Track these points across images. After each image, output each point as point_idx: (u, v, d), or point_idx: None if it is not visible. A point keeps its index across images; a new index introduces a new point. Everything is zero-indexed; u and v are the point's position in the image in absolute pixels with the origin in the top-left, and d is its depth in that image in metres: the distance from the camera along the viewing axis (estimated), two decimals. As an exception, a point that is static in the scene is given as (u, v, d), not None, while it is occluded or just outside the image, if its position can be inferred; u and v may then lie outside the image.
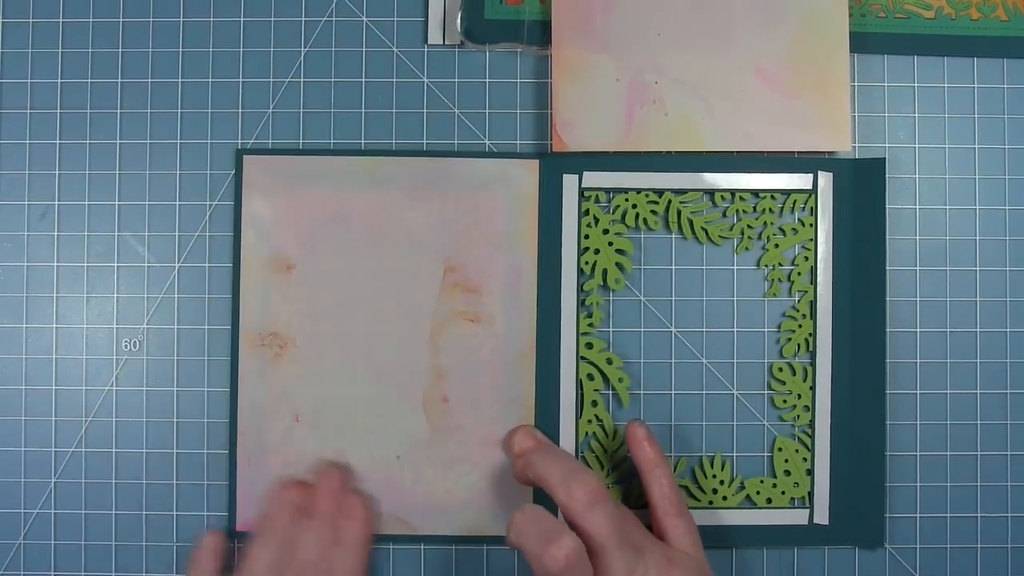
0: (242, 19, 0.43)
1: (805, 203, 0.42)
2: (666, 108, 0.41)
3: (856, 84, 0.43)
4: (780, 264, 0.42)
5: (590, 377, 0.41)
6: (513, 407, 0.41)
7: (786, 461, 0.42)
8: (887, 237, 0.42)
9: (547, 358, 0.41)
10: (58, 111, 0.43)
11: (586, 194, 0.42)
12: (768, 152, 0.42)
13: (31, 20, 0.43)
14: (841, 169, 0.42)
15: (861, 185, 0.41)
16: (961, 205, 0.43)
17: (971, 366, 0.42)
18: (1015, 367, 0.42)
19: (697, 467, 0.42)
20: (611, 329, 0.42)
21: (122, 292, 0.42)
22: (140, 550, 0.42)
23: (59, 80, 0.43)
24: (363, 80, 0.43)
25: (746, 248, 0.42)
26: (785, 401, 0.42)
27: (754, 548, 0.42)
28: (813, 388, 0.41)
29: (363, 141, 0.42)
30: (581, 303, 0.41)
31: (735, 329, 0.42)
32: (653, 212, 0.42)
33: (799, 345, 0.42)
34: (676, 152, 0.42)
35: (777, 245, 0.42)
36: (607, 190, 0.42)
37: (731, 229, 0.42)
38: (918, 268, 0.42)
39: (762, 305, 0.42)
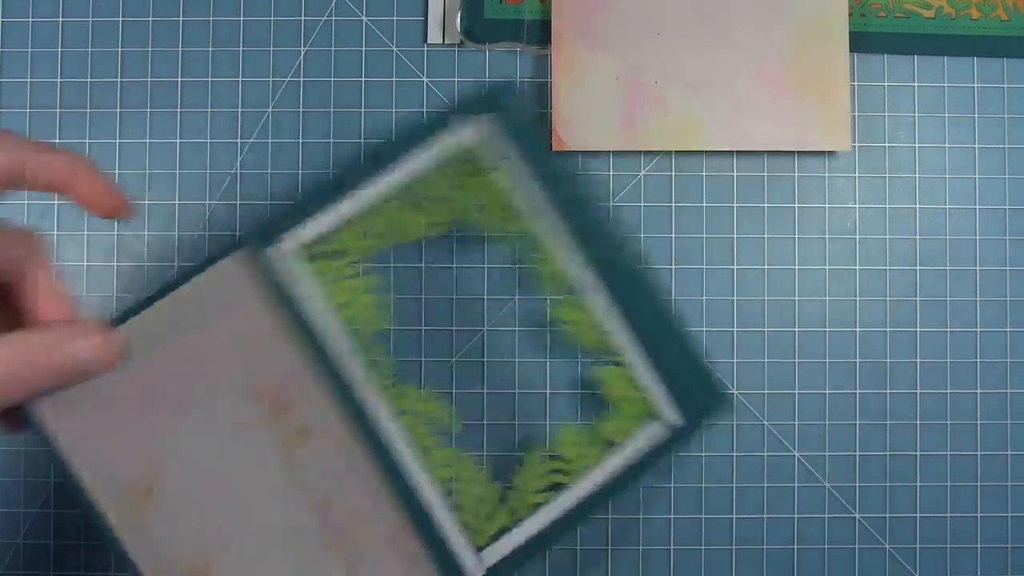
0: (242, 19, 0.43)
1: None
2: (666, 107, 0.41)
3: (856, 84, 0.43)
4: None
5: (414, 426, 0.37)
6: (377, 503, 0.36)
7: (616, 387, 0.37)
8: (887, 236, 0.42)
9: (370, 439, 0.35)
10: (58, 111, 0.43)
11: (299, 255, 0.35)
12: (768, 151, 0.42)
13: (31, 20, 0.43)
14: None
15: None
16: (961, 205, 0.43)
17: (971, 366, 0.42)
18: (1015, 367, 0.42)
19: (559, 446, 0.38)
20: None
21: (121, 292, 0.42)
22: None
23: (59, 80, 0.43)
24: (363, 79, 0.43)
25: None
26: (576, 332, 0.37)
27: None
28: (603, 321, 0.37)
29: (363, 140, 0.42)
30: (367, 366, 0.36)
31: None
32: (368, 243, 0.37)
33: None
34: (677, 151, 0.42)
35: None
36: (309, 244, 0.35)
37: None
38: (918, 268, 0.42)
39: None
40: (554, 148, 0.41)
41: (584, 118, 0.41)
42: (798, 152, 0.42)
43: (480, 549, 0.38)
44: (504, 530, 0.39)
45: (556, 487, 0.39)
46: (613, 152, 0.42)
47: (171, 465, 0.34)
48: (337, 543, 0.36)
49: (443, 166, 0.36)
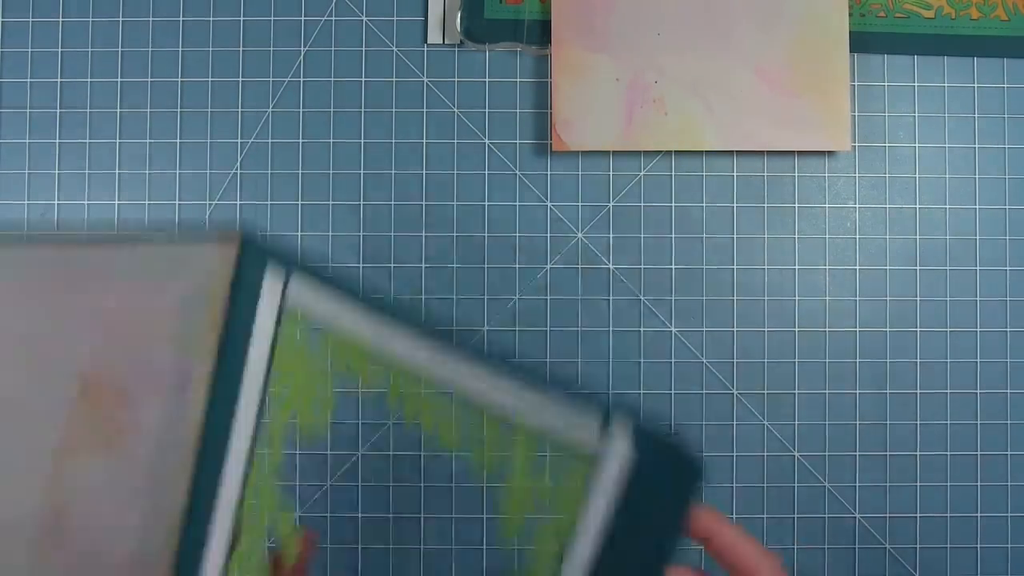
0: (242, 19, 0.43)
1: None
2: (666, 108, 0.41)
3: (856, 84, 0.43)
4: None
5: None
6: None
7: None
8: (887, 236, 0.42)
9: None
10: (58, 111, 0.43)
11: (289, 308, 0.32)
12: (768, 151, 0.42)
13: (31, 20, 0.43)
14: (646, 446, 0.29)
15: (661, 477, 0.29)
16: (961, 205, 0.43)
17: (971, 366, 0.42)
18: (1015, 367, 0.42)
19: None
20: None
21: (122, 292, 0.42)
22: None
23: (59, 80, 0.43)
24: (363, 79, 0.43)
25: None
26: None
27: None
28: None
29: (363, 140, 0.42)
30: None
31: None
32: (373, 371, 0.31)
33: None
34: (677, 151, 0.42)
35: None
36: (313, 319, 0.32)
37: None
38: (918, 268, 0.42)
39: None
40: (554, 148, 0.41)
41: (584, 118, 0.41)
42: (798, 152, 0.42)
43: None
44: None
45: None
46: (613, 152, 0.42)
47: None
48: (69, 545, 0.32)
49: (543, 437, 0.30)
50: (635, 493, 0.30)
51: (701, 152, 0.42)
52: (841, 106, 0.41)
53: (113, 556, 0.33)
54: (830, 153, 0.42)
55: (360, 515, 0.41)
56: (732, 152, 0.42)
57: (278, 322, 0.32)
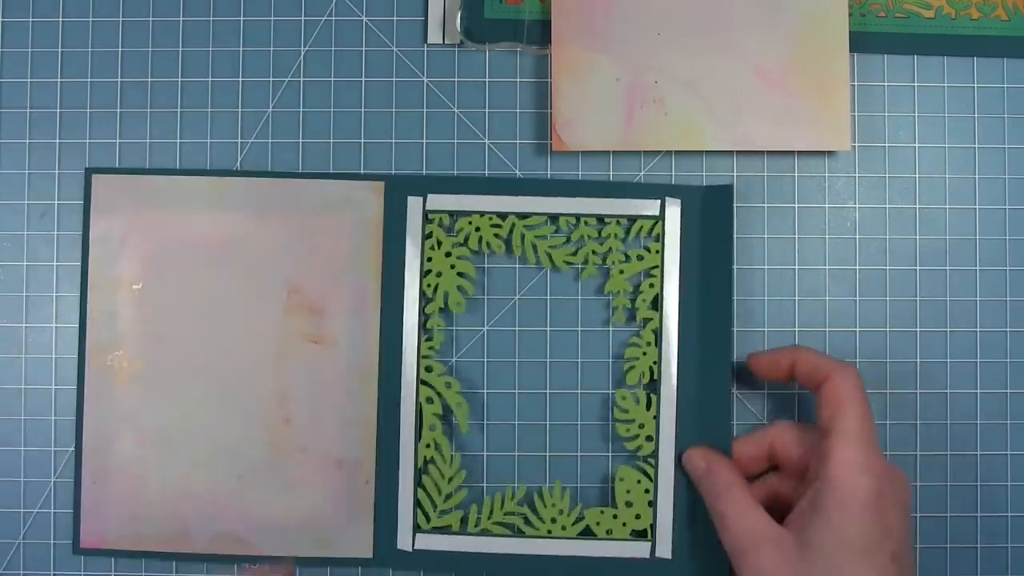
0: (242, 18, 0.43)
1: (651, 229, 0.41)
2: (666, 108, 0.41)
3: (856, 84, 0.43)
4: (624, 291, 0.41)
5: (429, 400, 0.41)
6: (355, 429, 0.41)
7: (628, 492, 0.40)
8: (887, 236, 0.42)
9: (389, 381, 0.41)
10: (58, 110, 0.43)
11: (430, 216, 0.41)
12: (768, 151, 0.42)
13: (31, 20, 0.43)
14: (689, 196, 0.41)
15: (709, 212, 0.41)
16: (961, 205, 0.43)
17: (971, 366, 0.42)
18: (1015, 367, 0.42)
19: (536, 495, 0.41)
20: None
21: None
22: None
23: (59, 80, 0.43)
24: (363, 79, 0.43)
25: (591, 274, 0.41)
26: (628, 431, 0.41)
27: None
28: (657, 418, 0.40)
29: (363, 140, 0.42)
30: (422, 326, 0.41)
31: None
32: (496, 236, 0.41)
33: (643, 373, 0.41)
34: (677, 151, 0.42)
35: (622, 271, 0.41)
36: (451, 213, 0.41)
37: (575, 254, 0.41)
38: (918, 268, 0.42)
39: (606, 332, 0.42)
40: (554, 148, 0.41)
41: (584, 118, 0.41)
42: (798, 152, 0.42)
43: (418, 530, 0.41)
44: (447, 529, 0.41)
45: (519, 531, 0.41)
46: (613, 152, 0.42)
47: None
48: (287, 444, 0.41)
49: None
50: (692, 231, 0.41)
51: (701, 152, 0.42)
52: (841, 106, 0.41)
53: (325, 452, 0.41)
54: (830, 153, 0.42)
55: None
56: (732, 152, 0.42)
57: (424, 236, 0.41)
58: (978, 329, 0.42)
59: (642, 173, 0.42)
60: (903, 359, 0.42)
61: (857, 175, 0.43)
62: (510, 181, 0.42)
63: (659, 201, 0.41)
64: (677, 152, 0.42)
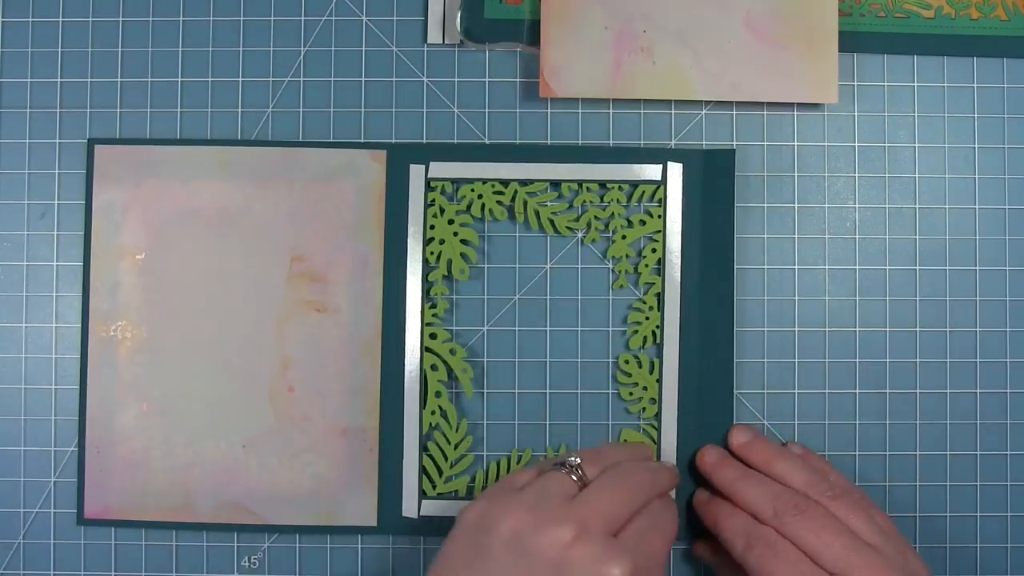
0: (242, 18, 0.43)
1: (653, 194, 0.42)
2: (654, 57, 0.41)
3: (856, 84, 0.43)
4: (627, 255, 0.42)
5: (433, 368, 0.41)
6: (359, 397, 0.41)
7: None
8: (887, 236, 0.42)
9: (392, 348, 0.41)
10: (58, 110, 0.43)
11: (432, 184, 0.41)
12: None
13: (31, 20, 0.43)
14: (691, 160, 0.41)
15: (710, 176, 0.41)
16: (961, 205, 0.43)
17: (971, 366, 0.42)
18: (1015, 367, 0.42)
19: (542, 459, 0.41)
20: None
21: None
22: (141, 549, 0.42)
23: (59, 80, 0.43)
24: (363, 79, 0.43)
25: (593, 239, 0.42)
26: (631, 394, 0.41)
27: None
28: (660, 381, 0.41)
29: (363, 140, 0.42)
30: (426, 293, 0.41)
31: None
32: (499, 203, 0.42)
33: (646, 338, 0.41)
34: (663, 100, 0.42)
35: (624, 236, 0.41)
36: (453, 180, 0.42)
37: (578, 220, 0.42)
38: (918, 268, 0.42)
39: (608, 297, 0.42)
40: (541, 94, 0.41)
41: (571, 66, 0.41)
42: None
43: (424, 496, 0.41)
44: (454, 495, 0.41)
45: None
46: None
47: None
48: (290, 413, 0.41)
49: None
50: (693, 195, 0.41)
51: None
52: (828, 58, 0.41)
53: (329, 420, 0.41)
54: (815, 105, 0.42)
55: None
56: (732, 152, 0.42)
57: (427, 204, 0.41)
58: (978, 329, 0.42)
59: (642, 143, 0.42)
60: (903, 359, 0.42)
61: (857, 175, 0.43)
62: (512, 147, 0.42)
63: (661, 166, 0.41)
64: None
